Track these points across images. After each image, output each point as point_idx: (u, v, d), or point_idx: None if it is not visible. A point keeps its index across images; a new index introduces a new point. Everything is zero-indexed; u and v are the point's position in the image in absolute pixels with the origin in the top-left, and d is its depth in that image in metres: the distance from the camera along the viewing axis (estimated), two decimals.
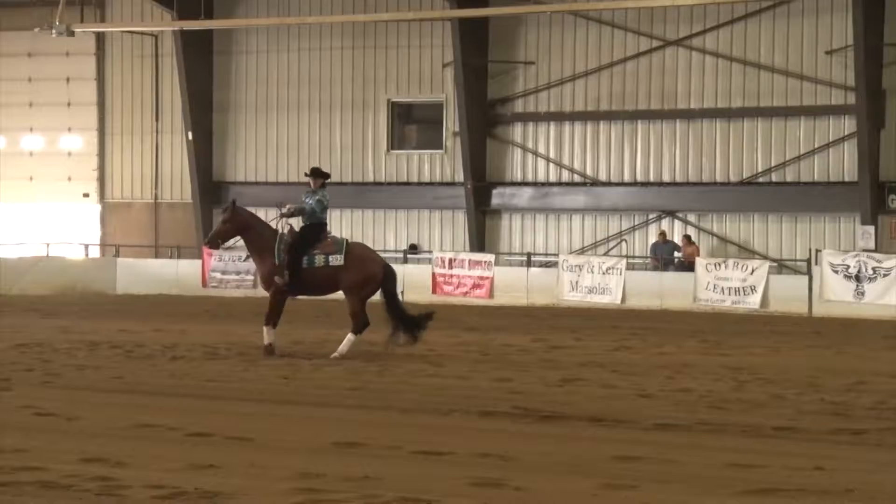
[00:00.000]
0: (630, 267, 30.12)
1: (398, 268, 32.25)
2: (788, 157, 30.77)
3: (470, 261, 31.51)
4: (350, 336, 16.33)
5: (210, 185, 36.37)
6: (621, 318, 25.80)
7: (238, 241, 17.28)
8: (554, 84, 33.06)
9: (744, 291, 28.18)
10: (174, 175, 37.29)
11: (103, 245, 37.42)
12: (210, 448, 9.48)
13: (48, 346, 17.62)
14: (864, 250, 28.34)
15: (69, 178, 38.32)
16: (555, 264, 30.91)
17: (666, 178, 32.06)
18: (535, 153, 33.43)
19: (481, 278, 31.08)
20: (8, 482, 8.00)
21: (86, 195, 38.28)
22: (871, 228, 29.28)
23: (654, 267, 31.03)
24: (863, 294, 27.05)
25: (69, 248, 36.54)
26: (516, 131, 33.65)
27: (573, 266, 30.07)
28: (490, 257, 31.63)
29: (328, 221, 17.11)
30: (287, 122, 36.07)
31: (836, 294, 27.24)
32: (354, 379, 14.21)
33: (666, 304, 28.72)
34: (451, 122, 33.96)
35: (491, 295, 30.76)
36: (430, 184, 34.42)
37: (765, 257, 29.93)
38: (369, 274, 16.42)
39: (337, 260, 16.43)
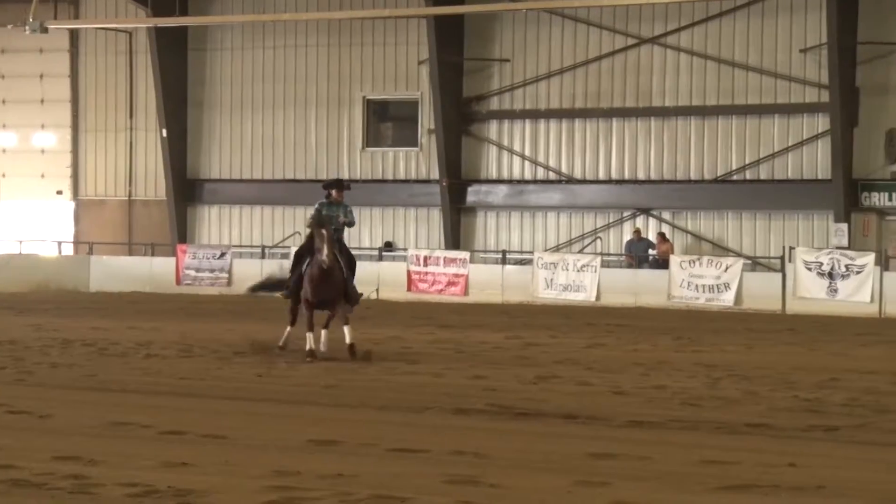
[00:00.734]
0: (605, 264, 30.18)
1: (374, 265, 32.52)
2: (762, 154, 30.88)
3: (445, 258, 31.51)
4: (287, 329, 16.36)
5: (184, 183, 36.24)
6: (596, 315, 25.84)
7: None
8: (529, 82, 33.08)
9: (718, 289, 28.27)
10: (148, 172, 37.15)
11: (77, 242, 37.25)
12: (183, 446, 9.45)
13: (21, 343, 17.53)
14: (838, 248, 28.48)
15: (42, 176, 38.12)
16: (530, 262, 30.94)
17: (641, 175, 32.13)
18: (511, 151, 33.44)
19: (456, 276, 31.08)
20: None
21: (59, 192, 38.10)
22: (845, 226, 29.42)
23: (629, 264, 31.09)
24: (836, 291, 27.17)
25: (42, 245, 36.37)
26: (492, 129, 33.66)
27: (548, 263, 30.10)
28: (465, 255, 31.64)
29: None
30: (262, 119, 35.97)
31: (809, 291, 27.36)
32: (330, 377, 14.19)
33: (640, 302, 28.78)
34: (427, 119, 33.94)
35: (466, 292, 30.76)
36: (406, 181, 34.39)
37: (739, 255, 30.03)
38: None
39: None
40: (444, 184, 33.26)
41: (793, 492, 7.81)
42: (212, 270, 33.24)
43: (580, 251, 31.71)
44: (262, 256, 34.02)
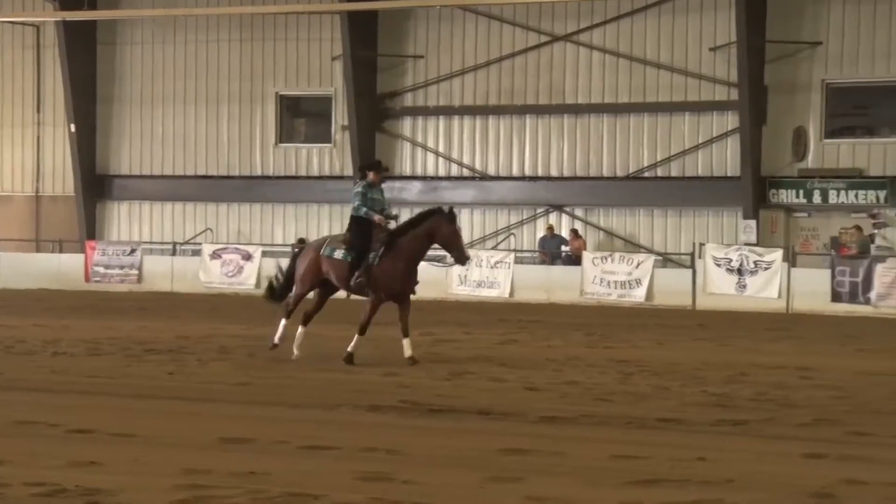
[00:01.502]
0: (518, 261, 30.31)
1: (286, 263, 32.26)
2: (673, 152, 31.21)
3: None
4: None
5: (93, 178, 35.74)
6: (509, 311, 25.94)
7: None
8: (443, 78, 33.11)
9: (629, 285, 28.52)
10: (56, 168, 36.60)
11: None
12: (92, 445, 9.32)
13: None
14: (746, 244, 28.87)
15: None
16: (444, 258, 30.94)
17: (554, 172, 32.31)
18: (425, 147, 33.45)
19: None
20: None
21: None
22: (753, 223, 29.83)
23: (542, 261, 31.25)
24: (744, 287, 27.55)
25: None
26: (405, 125, 33.64)
27: None
28: None
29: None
30: (173, 114, 35.59)
31: (718, 287, 27.70)
32: (241, 374, 14.08)
33: (553, 298, 28.95)
34: (341, 115, 33.83)
35: None
36: (320, 177, 34.26)
37: (650, 251, 30.33)
38: None
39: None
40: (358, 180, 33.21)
41: (702, 485, 7.89)
42: (121, 267, 32.85)
43: (494, 247, 31.81)
44: (173, 253, 33.72)
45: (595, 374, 14.39)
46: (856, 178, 29.44)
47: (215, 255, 32.48)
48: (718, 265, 27.83)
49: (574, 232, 31.41)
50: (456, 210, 16.14)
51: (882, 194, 29.20)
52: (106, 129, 36.11)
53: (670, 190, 31.03)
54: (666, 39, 31.15)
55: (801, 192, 29.84)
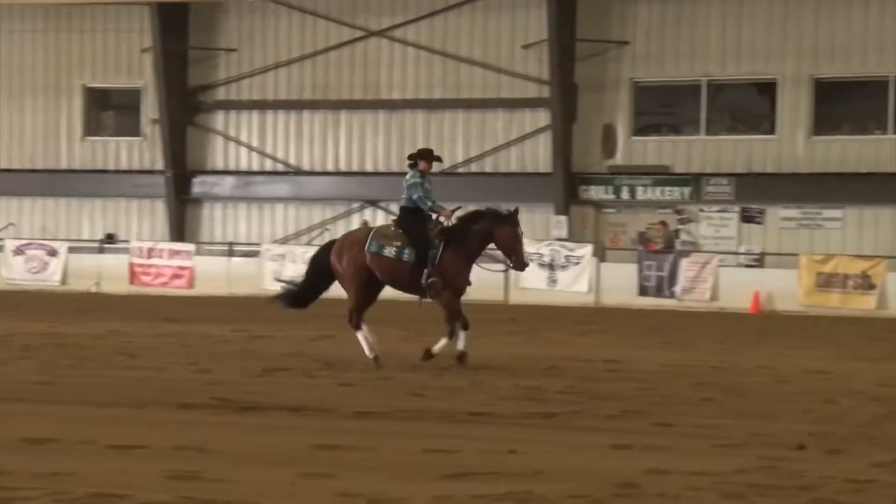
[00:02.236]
0: None
1: (94, 258, 31.60)
2: (487, 148, 31.57)
3: (170, 250, 30.93)
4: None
5: None
6: (324, 307, 25.80)
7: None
8: (257, 72, 32.81)
9: None
10: None
11: None
12: None
13: None
14: (558, 239, 29.40)
15: None
16: (258, 254, 30.69)
17: (369, 167, 32.33)
18: (238, 142, 33.09)
19: (181, 268, 30.55)
20: None
21: None
22: (564, 218, 30.39)
23: None
24: (555, 282, 28.04)
25: None
26: (218, 119, 33.22)
27: (276, 255, 29.93)
28: (190, 247, 31.14)
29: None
30: None
31: (530, 282, 28.12)
32: (44, 373, 13.68)
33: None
34: (151, 108, 33.21)
35: (192, 285, 30.28)
36: (128, 172, 33.58)
37: None
38: None
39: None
40: (169, 174, 32.68)
41: (512, 478, 7.97)
42: None
43: (308, 243, 31.67)
44: None
45: (409, 369, 14.42)
46: (662, 175, 30.25)
47: (18, 250, 31.56)
48: (531, 260, 28.23)
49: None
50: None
51: (686, 191, 30.07)
52: None
53: (484, 185, 31.37)
54: (479, 36, 31.47)
55: (611, 188, 30.52)
